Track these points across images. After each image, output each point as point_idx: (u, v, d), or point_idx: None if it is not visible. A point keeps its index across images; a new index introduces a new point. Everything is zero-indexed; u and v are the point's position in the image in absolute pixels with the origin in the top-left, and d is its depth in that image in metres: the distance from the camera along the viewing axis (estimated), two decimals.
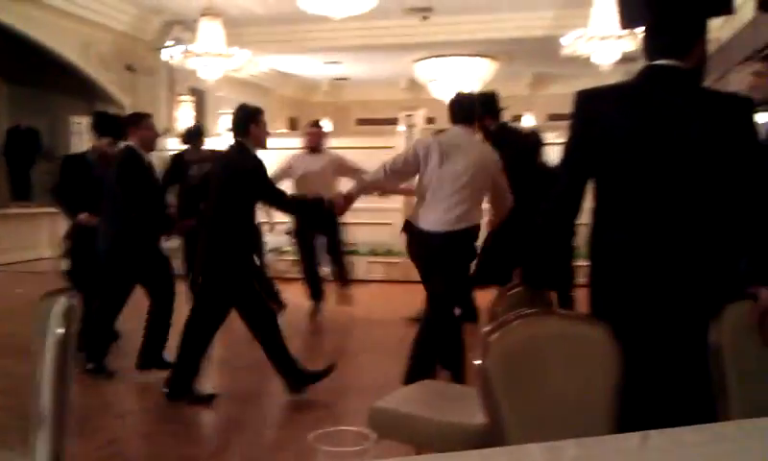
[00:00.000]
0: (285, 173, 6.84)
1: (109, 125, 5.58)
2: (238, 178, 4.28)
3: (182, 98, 13.11)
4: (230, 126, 4.47)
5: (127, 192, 4.75)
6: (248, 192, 4.31)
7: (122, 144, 4.92)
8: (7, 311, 7.44)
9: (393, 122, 10.55)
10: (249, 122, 4.34)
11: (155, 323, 4.89)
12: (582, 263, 7.69)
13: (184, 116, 13.06)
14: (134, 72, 11.79)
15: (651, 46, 2.22)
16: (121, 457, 3.64)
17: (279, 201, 4.54)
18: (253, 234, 4.95)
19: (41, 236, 12.04)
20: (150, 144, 4.99)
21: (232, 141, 4.42)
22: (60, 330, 2.05)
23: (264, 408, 4.42)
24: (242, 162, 4.28)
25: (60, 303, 2.11)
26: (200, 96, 13.67)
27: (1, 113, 13.46)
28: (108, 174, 4.91)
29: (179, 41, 11.20)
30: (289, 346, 4.44)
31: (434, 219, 4.21)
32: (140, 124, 4.92)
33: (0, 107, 13.44)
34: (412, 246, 4.37)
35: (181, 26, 11.83)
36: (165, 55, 10.99)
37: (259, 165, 4.29)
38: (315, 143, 7.09)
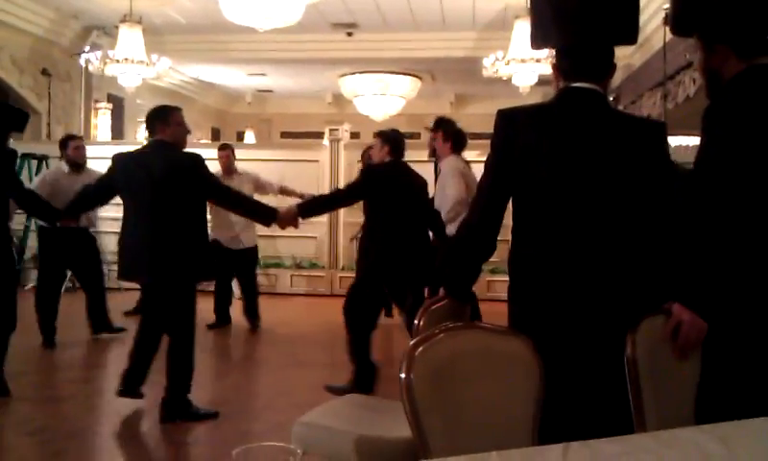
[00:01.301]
0: None
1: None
2: None
3: (100, 105, 12.73)
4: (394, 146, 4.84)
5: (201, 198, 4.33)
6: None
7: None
8: None
9: (317, 136, 10.56)
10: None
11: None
12: (495, 278, 7.88)
13: (102, 124, 12.69)
14: (50, 77, 11.38)
15: (568, 68, 2.28)
16: None
17: None
18: None
19: None
20: (183, 141, 4.39)
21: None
22: None
23: (186, 423, 4.29)
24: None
25: None
26: (118, 103, 13.31)
27: None
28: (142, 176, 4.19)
29: (97, 47, 10.89)
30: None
31: None
32: (169, 119, 4.32)
33: None
34: None
35: (100, 31, 11.51)
36: (82, 60, 10.66)
37: None
38: (226, 165, 7.11)
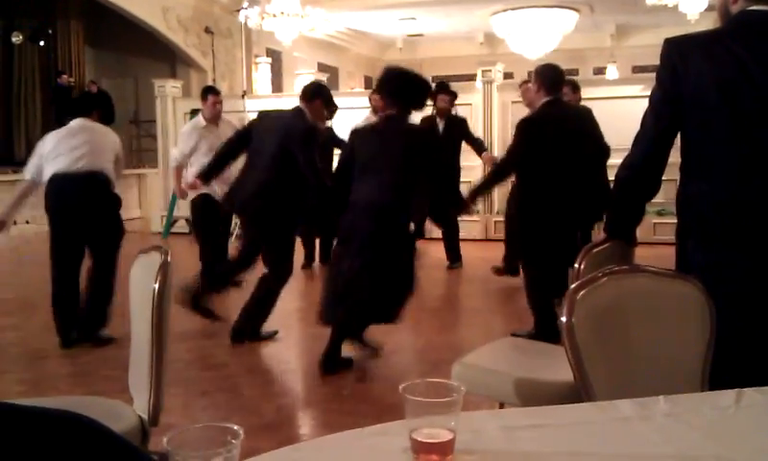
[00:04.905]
0: None
1: None
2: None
3: (260, 59, 13.26)
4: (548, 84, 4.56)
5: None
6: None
7: None
8: None
9: (470, 78, 10.42)
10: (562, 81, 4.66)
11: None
12: (661, 221, 7.48)
13: (262, 78, 13.23)
14: (213, 35, 11.97)
15: None
16: (213, 408, 3.80)
17: None
18: None
19: (131, 197, 12.50)
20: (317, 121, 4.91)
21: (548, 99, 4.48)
22: (156, 285, 2.14)
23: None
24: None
25: (154, 260, 2.21)
26: (276, 57, 13.80)
27: (86, 77, 13.96)
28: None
29: (255, 3, 11.31)
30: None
31: None
32: (314, 100, 4.78)
33: (85, 71, 13.94)
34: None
35: None
36: (242, 17, 11.12)
37: None
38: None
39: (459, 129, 7.14)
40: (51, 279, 4.79)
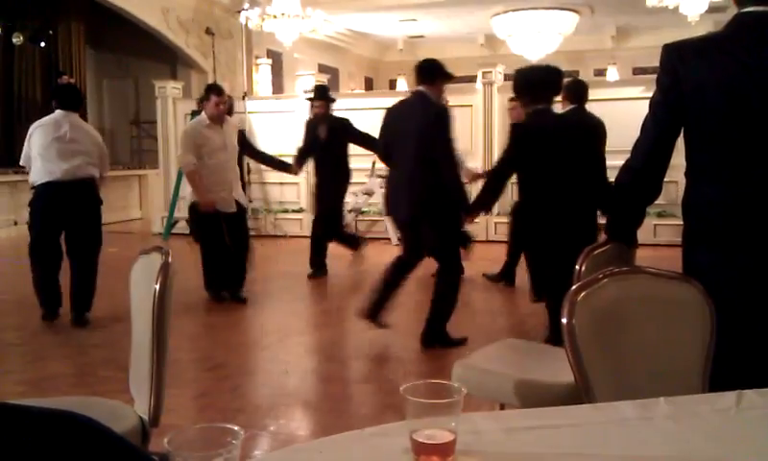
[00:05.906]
0: None
1: None
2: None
3: (260, 60, 13.26)
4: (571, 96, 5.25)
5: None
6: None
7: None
8: (102, 269, 7.80)
9: (470, 80, 10.41)
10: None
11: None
12: (662, 222, 7.49)
13: (263, 79, 13.23)
14: (213, 36, 11.97)
15: None
16: (213, 409, 3.80)
17: None
18: None
19: (131, 198, 12.50)
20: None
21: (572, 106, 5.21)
22: (156, 286, 2.13)
23: (352, 364, 4.51)
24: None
25: (155, 261, 2.20)
26: (277, 58, 13.80)
27: (87, 78, 13.95)
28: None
29: (255, 4, 11.32)
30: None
31: None
32: (435, 78, 4.70)
33: (86, 72, 13.93)
34: None
35: None
36: (242, 18, 11.11)
37: None
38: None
39: (343, 130, 6.98)
40: (33, 278, 5.20)
